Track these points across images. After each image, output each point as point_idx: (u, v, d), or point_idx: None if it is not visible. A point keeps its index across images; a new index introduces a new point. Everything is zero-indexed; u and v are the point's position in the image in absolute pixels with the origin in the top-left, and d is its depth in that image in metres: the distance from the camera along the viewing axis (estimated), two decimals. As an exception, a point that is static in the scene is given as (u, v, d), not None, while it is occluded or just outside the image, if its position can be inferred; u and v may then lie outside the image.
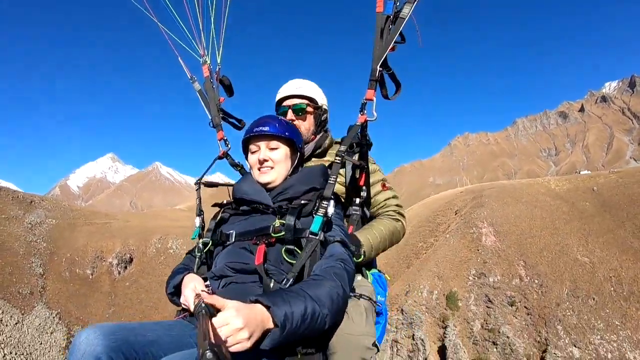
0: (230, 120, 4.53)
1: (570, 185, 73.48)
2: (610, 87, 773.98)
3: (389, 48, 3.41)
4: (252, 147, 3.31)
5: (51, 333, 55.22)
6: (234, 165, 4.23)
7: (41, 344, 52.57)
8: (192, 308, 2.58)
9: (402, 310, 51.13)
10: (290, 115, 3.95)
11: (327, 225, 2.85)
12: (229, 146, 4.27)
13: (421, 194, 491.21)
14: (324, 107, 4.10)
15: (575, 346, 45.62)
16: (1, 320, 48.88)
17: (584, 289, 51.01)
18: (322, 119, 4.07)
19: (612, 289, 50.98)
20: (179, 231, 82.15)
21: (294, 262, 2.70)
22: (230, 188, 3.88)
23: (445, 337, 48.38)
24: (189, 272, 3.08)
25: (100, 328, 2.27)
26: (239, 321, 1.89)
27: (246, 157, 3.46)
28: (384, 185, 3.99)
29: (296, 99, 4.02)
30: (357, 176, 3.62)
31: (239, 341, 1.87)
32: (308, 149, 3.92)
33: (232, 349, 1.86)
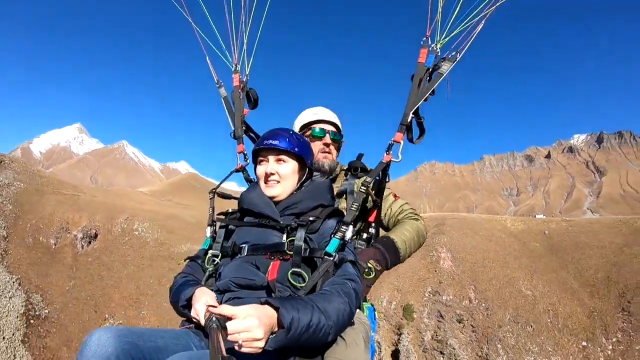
0: (251, 134, 4.58)
1: (524, 226, 78.72)
2: (578, 139, 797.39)
3: (424, 98, 3.61)
4: (261, 159, 3.36)
5: (10, 298, 53.24)
6: (249, 180, 4.24)
7: None
8: (202, 322, 2.40)
9: None
10: (328, 139, 4.12)
11: (341, 247, 2.88)
12: (248, 161, 4.27)
13: None
14: (343, 139, 4.28)
15: None
16: None
17: (524, 316, 55.70)
18: (341, 147, 4.30)
19: (548, 320, 56.03)
20: (146, 215, 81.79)
21: (300, 285, 2.76)
22: None
23: (399, 342, 52.27)
24: (200, 286, 2.99)
25: (112, 331, 2.33)
26: (257, 323, 2.03)
27: (255, 168, 3.50)
28: (395, 196, 4.22)
29: (332, 126, 4.23)
30: (369, 212, 3.79)
31: (254, 342, 2.02)
32: (322, 177, 3.99)
33: (246, 350, 2.03)
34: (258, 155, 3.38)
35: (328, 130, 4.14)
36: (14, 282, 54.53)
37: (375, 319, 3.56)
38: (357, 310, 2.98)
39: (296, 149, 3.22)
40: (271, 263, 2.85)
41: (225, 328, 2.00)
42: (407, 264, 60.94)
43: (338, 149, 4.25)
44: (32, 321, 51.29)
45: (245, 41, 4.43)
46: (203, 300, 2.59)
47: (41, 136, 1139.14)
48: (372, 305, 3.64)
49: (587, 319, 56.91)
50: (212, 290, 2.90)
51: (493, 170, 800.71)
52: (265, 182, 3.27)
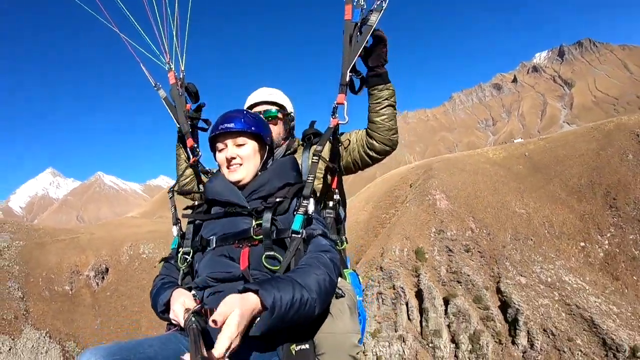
0: (199, 125, 4.52)
1: (505, 153, 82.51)
2: (540, 57, 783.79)
3: (357, 54, 3.58)
4: (219, 145, 3.27)
5: (46, 352, 56.36)
6: (205, 172, 4.19)
7: None
8: (182, 323, 2.40)
9: (380, 267, 59.26)
10: None
11: (307, 222, 2.88)
12: (200, 154, 4.29)
13: (365, 173, 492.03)
14: (292, 114, 4.25)
15: (521, 276, 55.16)
16: None
17: (523, 233, 60.64)
18: (291, 125, 4.22)
19: (545, 231, 61.19)
20: (148, 236, 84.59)
21: (276, 268, 2.74)
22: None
23: (419, 283, 56.62)
24: (176, 287, 2.92)
25: (102, 350, 2.28)
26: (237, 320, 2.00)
27: (214, 156, 3.39)
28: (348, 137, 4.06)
29: (267, 105, 4.14)
30: (329, 179, 3.78)
31: (232, 339, 1.96)
32: (279, 152, 3.99)
33: (230, 346, 1.95)
34: (215, 142, 3.32)
35: (261, 112, 4.07)
36: (44, 337, 58.28)
37: (360, 284, 3.61)
38: (340, 278, 3.05)
39: (253, 128, 3.20)
40: (241, 252, 2.84)
41: (204, 329, 2.14)
42: (407, 212, 67.16)
43: (279, 124, 4.15)
44: None
45: (175, 37, 4.43)
46: (180, 301, 2.58)
47: (17, 191, 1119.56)
48: (354, 271, 3.67)
49: (580, 222, 61.78)
50: (190, 287, 2.93)
51: (465, 106, 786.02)
52: (228, 168, 3.23)
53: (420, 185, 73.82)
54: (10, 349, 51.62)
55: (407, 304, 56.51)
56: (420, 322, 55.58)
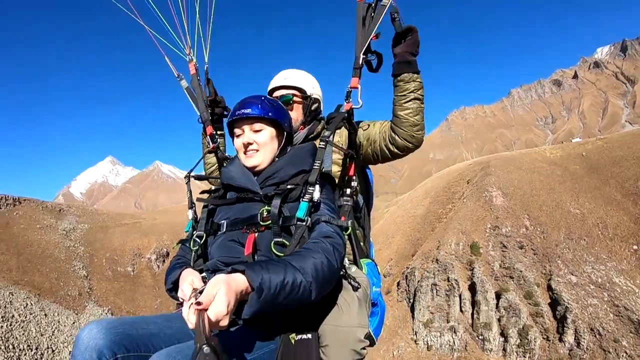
0: (219, 112, 4.59)
1: (562, 152, 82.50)
2: (602, 53, 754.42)
3: (372, 36, 3.49)
4: (237, 131, 3.27)
5: None
6: (225, 159, 4.21)
7: None
8: (188, 302, 2.15)
9: (436, 260, 61.18)
10: None
11: (313, 208, 2.86)
12: (219, 141, 4.32)
13: (423, 170, 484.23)
14: (315, 96, 4.08)
15: (572, 275, 55.76)
16: (59, 322, 50.74)
17: (576, 233, 61.08)
18: (312, 108, 4.05)
19: (599, 232, 61.00)
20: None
21: (282, 254, 2.66)
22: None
23: (473, 276, 58.35)
24: (186, 267, 2.93)
25: (102, 323, 2.31)
26: (216, 291, 1.94)
27: (233, 141, 3.40)
28: (371, 124, 4.01)
29: (284, 89, 4.05)
30: (347, 165, 3.64)
31: (218, 317, 1.89)
32: (299, 137, 3.93)
33: (217, 323, 1.90)
34: (233, 128, 3.33)
35: (278, 97, 4.01)
36: (106, 314, 60.88)
37: (379, 274, 3.59)
38: (355, 268, 3.19)
39: (270, 114, 3.17)
40: (247, 238, 2.84)
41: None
42: (464, 208, 68.77)
43: (304, 108, 4.06)
44: None
45: (197, 28, 4.43)
46: (189, 280, 2.53)
47: (77, 178, 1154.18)
48: (373, 260, 3.67)
49: (634, 225, 61.11)
50: (201, 270, 2.93)
51: (523, 103, 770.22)
52: (245, 153, 3.22)
53: (477, 182, 74.95)
54: (74, 323, 52.77)
55: (460, 296, 58.22)
56: (472, 314, 57.23)
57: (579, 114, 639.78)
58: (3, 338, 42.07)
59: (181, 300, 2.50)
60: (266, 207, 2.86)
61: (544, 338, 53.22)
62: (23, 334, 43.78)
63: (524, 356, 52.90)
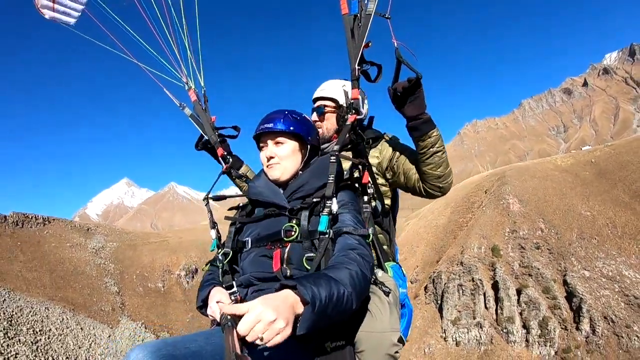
0: (227, 134, 4.60)
1: (573, 160, 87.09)
2: (610, 58, 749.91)
3: (362, 46, 3.44)
4: (261, 145, 3.31)
5: (142, 340, 58.97)
6: (239, 177, 4.44)
7: None
8: (218, 319, 2.47)
9: (461, 262, 65.71)
10: (314, 117, 4.15)
11: (333, 221, 2.82)
12: (230, 160, 4.41)
13: None
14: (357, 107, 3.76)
15: (585, 270, 60.42)
16: (95, 335, 51.96)
17: (588, 232, 65.70)
18: (346, 118, 3.77)
19: (609, 231, 65.68)
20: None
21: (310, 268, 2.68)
22: (241, 198, 3.95)
23: (495, 276, 62.88)
24: (215, 285, 3.00)
25: (147, 347, 2.35)
26: (269, 314, 1.86)
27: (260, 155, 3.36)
28: (394, 146, 4.00)
29: (320, 100, 4.20)
30: (360, 174, 3.51)
31: (278, 331, 1.87)
32: (330, 147, 3.99)
33: (273, 342, 1.87)
34: (259, 142, 3.35)
35: (315, 107, 4.19)
36: (140, 327, 63.12)
37: (404, 275, 3.62)
38: (382, 272, 3.22)
39: (291, 128, 3.18)
40: (273, 253, 2.86)
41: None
42: (483, 215, 73.64)
43: (332, 119, 4.15)
44: None
45: (189, 56, 4.45)
46: (217, 298, 2.70)
47: (93, 199, 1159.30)
48: (397, 263, 3.73)
49: None
50: (229, 286, 2.99)
51: (534, 113, 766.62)
52: (267, 166, 3.25)
53: (494, 191, 79.30)
54: (109, 336, 54.86)
55: (484, 295, 62.61)
56: (496, 310, 61.53)
57: (590, 122, 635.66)
58: (42, 350, 43.83)
59: (210, 317, 2.75)
60: (289, 223, 2.87)
61: (562, 328, 57.41)
62: (61, 346, 45.28)
63: (545, 345, 56.89)
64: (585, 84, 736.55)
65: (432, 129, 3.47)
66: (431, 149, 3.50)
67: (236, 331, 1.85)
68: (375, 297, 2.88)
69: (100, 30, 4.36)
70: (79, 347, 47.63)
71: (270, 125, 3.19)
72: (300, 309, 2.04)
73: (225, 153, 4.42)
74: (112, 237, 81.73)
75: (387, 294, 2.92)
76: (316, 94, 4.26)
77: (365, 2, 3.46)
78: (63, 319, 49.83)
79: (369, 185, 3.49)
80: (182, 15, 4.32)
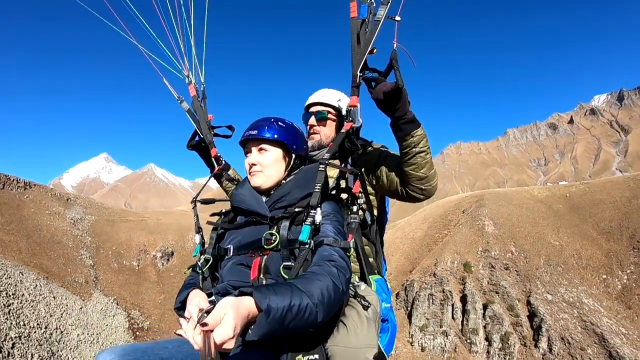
0: (222, 133, 4.54)
1: (549, 193, 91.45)
2: (599, 100, 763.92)
3: (367, 52, 3.35)
4: (246, 151, 3.34)
5: (113, 316, 57.42)
6: (230, 180, 4.43)
7: (107, 325, 54.51)
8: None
9: (434, 274, 68.94)
10: (312, 121, 4.15)
11: (315, 231, 2.83)
12: (223, 162, 4.44)
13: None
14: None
15: (548, 293, 64.06)
16: (67, 305, 50.30)
17: (554, 260, 69.91)
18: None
19: (574, 261, 70.19)
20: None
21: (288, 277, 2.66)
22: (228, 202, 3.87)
23: (465, 289, 66.22)
24: (194, 288, 2.98)
25: (117, 351, 2.39)
26: (226, 315, 1.91)
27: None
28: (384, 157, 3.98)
29: (320, 106, 4.18)
30: (351, 184, 3.45)
31: (224, 340, 1.86)
32: (321, 154, 4.00)
33: (221, 346, 1.87)
34: (244, 148, 3.37)
35: (314, 112, 4.17)
36: (112, 303, 59.85)
37: (389, 289, 3.61)
38: (364, 286, 3.12)
39: (275, 136, 3.20)
40: (252, 262, 2.86)
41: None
42: (459, 232, 77.90)
43: (332, 125, 4.18)
44: (137, 333, 57.32)
45: (193, 50, 4.37)
46: (195, 302, 2.57)
47: (70, 170, 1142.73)
48: (382, 277, 3.69)
49: (605, 258, 70.22)
50: (209, 293, 2.98)
51: (518, 143, 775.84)
52: (249, 173, 3.27)
53: (472, 211, 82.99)
54: (81, 308, 53.13)
55: (452, 305, 66.00)
56: (462, 321, 64.94)
57: (571, 159, 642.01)
58: (14, 314, 42.72)
59: (187, 320, 2.36)
60: (270, 231, 2.85)
61: (522, 344, 61.16)
62: (33, 312, 44.35)
63: (504, 358, 60.67)
64: (571, 121, 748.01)
65: (416, 129, 3.40)
66: (414, 149, 3.44)
67: (212, 336, 1.87)
68: (353, 311, 2.83)
69: (103, 3, 4.30)
70: (50, 316, 46.38)
71: (255, 132, 3.22)
72: (254, 314, 2.09)
73: (219, 155, 4.42)
74: (91, 210, 79.99)
75: (365, 308, 2.87)
76: (315, 99, 4.25)
77: (375, 7, 3.39)
78: (36, 286, 48.42)
79: (359, 195, 3.40)
80: (191, 5, 4.28)
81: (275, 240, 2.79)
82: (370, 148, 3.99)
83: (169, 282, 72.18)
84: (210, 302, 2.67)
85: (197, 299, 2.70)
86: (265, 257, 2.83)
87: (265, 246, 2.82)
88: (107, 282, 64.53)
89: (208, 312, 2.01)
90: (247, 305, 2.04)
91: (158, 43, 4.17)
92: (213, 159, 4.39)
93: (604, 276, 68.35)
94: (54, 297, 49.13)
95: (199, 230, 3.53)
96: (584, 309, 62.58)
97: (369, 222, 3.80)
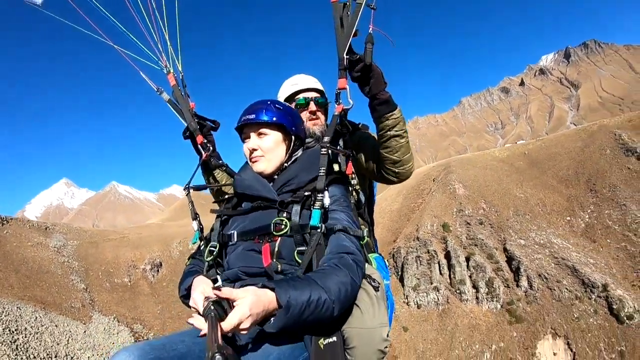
0: (206, 123, 4.33)
1: (509, 152, 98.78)
2: (547, 60, 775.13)
3: (350, 35, 3.32)
4: (244, 137, 3.23)
5: (117, 333, 59.23)
6: (218, 167, 4.15)
7: (113, 343, 55.92)
8: (200, 310, 2.24)
9: (417, 238, 74.43)
10: (313, 107, 3.91)
11: (325, 215, 2.78)
12: (211, 149, 4.18)
13: None
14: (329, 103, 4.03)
15: (521, 239, 70.92)
16: (71, 331, 50.73)
17: (522, 210, 76.64)
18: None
19: (540, 209, 77.43)
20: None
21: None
22: (226, 187, 4.02)
23: (447, 247, 71.81)
24: (198, 274, 2.91)
25: (133, 351, 2.29)
26: (253, 308, 1.99)
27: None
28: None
29: (315, 92, 4.04)
30: (344, 166, 3.50)
31: (230, 327, 1.93)
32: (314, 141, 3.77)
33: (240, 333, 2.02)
34: (242, 134, 3.26)
35: (312, 98, 3.97)
36: (113, 321, 61.75)
37: (386, 267, 3.50)
38: (367, 265, 2.94)
39: (274, 119, 3.10)
40: (262, 247, 2.80)
41: (222, 318, 1.99)
42: (433, 198, 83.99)
43: (325, 113, 4.06)
44: None
45: (167, 38, 4.16)
46: (200, 289, 2.50)
47: (32, 201, 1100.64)
48: (380, 254, 3.56)
49: (567, 202, 77.95)
50: (213, 279, 2.86)
51: (474, 110, 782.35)
52: (251, 159, 3.19)
53: (442, 179, 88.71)
54: (85, 332, 52.93)
55: (438, 263, 71.72)
56: (449, 275, 70.96)
57: (526, 119, 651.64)
58: (22, 348, 42.77)
59: (192, 307, 2.50)
60: (279, 217, 2.81)
61: (505, 286, 67.58)
62: (40, 344, 43.89)
63: (492, 300, 66.98)
64: (522, 83, 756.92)
65: (391, 111, 3.42)
66: (389, 132, 3.46)
67: (219, 322, 1.92)
68: (363, 292, 2.74)
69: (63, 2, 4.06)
70: (57, 344, 46.21)
71: (253, 116, 3.13)
72: (275, 309, 2.13)
73: (206, 141, 4.20)
74: (71, 235, 78.64)
75: (376, 289, 2.83)
76: (308, 85, 4.07)
77: None
78: (36, 318, 47.77)
79: (353, 176, 3.54)
80: None
81: (285, 226, 2.76)
82: (358, 131, 4.02)
83: (163, 292, 74.24)
84: (215, 287, 2.41)
85: (201, 286, 2.58)
86: (277, 242, 2.77)
87: (275, 232, 2.77)
88: (103, 303, 65.85)
89: (215, 300, 2.08)
90: (268, 297, 2.12)
91: (129, 35, 4.05)
92: (199, 145, 4.19)
93: (568, 218, 75.82)
94: (56, 326, 49.43)
95: (195, 216, 3.47)
96: (554, 247, 69.78)
97: (363, 202, 3.82)
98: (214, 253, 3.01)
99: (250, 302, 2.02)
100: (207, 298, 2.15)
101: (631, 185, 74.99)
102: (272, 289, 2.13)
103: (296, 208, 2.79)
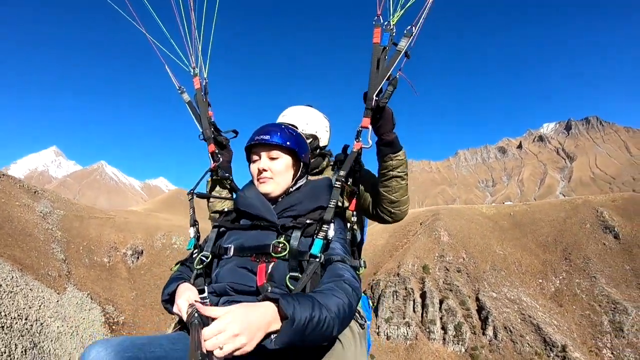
0: (220, 137, 4.26)
1: (495, 211, 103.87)
2: (547, 128, 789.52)
3: (384, 78, 3.33)
4: (254, 156, 3.18)
5: (89, 310, 57.82)
6: (224, 178, 4.09)
7: (83, 318, 54.57)
8: (184, 318, 2.24)
9: (397, 274, 78.20)
10: None
11: (326, 246, 2.72)
12: (220, 160, 4.11)
13: None
14: (308, 132, 4.04)
15: (494, 292, 74.80)
16: (44, 298, 49.94)
17: (499, 266, 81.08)
18: (313, 146, 3.99)
19: (515, 268, 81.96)
20: (178, 230, 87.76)
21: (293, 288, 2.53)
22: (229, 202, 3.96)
23: (424, 287, 75.44)
24: (184, 281, 2.84)
25: (112, 346, 2.21)
26: (235, 327, 1.86)
27: (249, 166, 3.28)
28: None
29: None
30: (348, 202, 3.40)
31: (240, 346, 1.86)
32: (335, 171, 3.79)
33: (225, 353, 1.83)
34: (250, 153, 3.23)
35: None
36: (86, 297, 60.23)
37: (369, 308, 3.55)
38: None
39: (288, 143, 3.08)
40: (257, 267, 2.72)
41: (207, 325, 1.91)
42: (418, 241, 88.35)
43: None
44: (113, 327, 58.60)
45: (200, 43, 4.26)
46: (185, 296, 2.52)
47: (18, 161, 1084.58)
48: (365, 294, 3.46)
49: (541, 266, 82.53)
50: (200, 290, 2.79)
51: (468, 164, 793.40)
52: (258, 179, 3.14)
53: (429, 224, 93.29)
54: (57, 301, 52.63)
55: (414, 301, 75.32)
56: (422, 314, 74.35)
57: (518, 182, 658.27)
58: None
59: (176, 315, 2.55)
60: (279, 239, 2.75)
61: (472, 332, 71.15)
62: (12, 303, 43.34)
63: (458, 343, 70.49)
64: (520, 146, 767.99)
65: (395, 152, 3.42)
66: (391, 172, 3.44)
67: (202, 329, 1.85)
68: (347, 328, 2.78)
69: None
70: (29, 307, 45.77)
71: (267, 137, 3.08)
72: (277, 325, 2.04)
73: (217, 151, 4.14)
74: (59, 204, 77.90)
75: (361, 326, 2.95)
76: (291, 122, 4.07)
77: (395, 35, 3.43)
78: (12, 277, 47.40)
79: (354, 213, 3.38)
80: None
81: (284, 249, 2.70)
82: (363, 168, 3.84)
83: (140, 279, 74.51)
84: (202, 299, 2.62)
85: (187, 293, 2.60)
86: (272, 264, 2.72)
87: (273, 254, 2.71)
88: (79, 277, 65.40)
89: (196, 307, 2.04)
90: (269, 310, 2.05)
91: (164, 31, 4.08)
92: (210, 154, 4.12)
93: (540, 280, 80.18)
94: (30, 289, 49.16)
95: (194, 223, 3.42)
96: (523, 304, 73.75)
97: (357, 240, 3.63)
98: (204, 263, 2.96)
99: (231, 315, 1.96)
100: (191, 305, 2.13)
101: (604, 260, 79.36)
102: (275, 300, 2.07)
103: (296, 234, 2.76)
